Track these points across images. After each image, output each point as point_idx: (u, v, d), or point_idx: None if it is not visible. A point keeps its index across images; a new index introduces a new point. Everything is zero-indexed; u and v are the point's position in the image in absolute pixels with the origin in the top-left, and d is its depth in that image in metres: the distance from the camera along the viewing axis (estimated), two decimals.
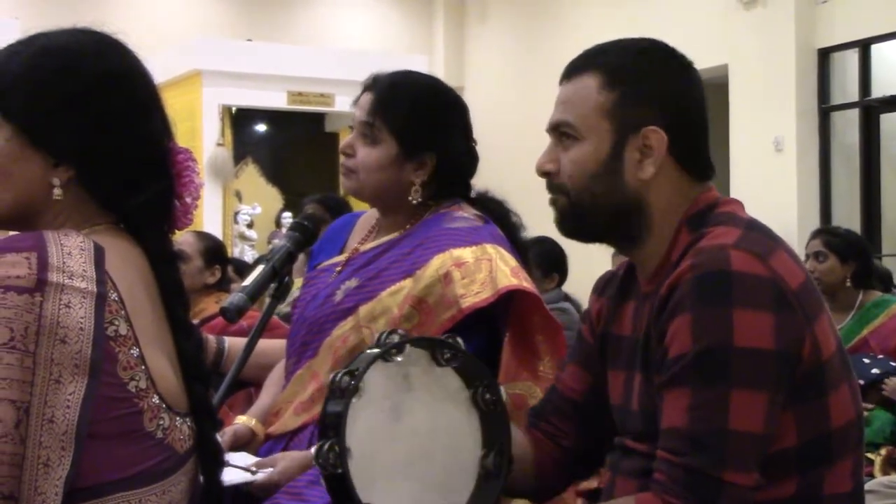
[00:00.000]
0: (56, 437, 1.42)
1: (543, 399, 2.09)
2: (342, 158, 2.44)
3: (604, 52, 1.85)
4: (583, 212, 1.82)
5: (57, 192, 1.59)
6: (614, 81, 1.80)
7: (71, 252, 1.48)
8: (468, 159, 2.49)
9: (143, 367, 1.52)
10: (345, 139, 2.46)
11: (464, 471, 1.78)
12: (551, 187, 1.84)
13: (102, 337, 1.47)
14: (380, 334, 1.76)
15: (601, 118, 1.79)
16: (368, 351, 1.73)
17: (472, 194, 2.52)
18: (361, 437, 1.67)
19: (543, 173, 1.84)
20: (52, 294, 1.44)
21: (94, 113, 1.59)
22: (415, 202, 2.39)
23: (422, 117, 2.41)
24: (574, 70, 1.84)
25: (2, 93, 1.59)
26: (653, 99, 1.79)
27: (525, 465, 1.96)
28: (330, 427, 1.66)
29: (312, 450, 2.25)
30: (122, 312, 1.51)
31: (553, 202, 1.85)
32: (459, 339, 1.79)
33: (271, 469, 2.26)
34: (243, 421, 2.49)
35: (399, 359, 1.72)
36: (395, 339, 1.73)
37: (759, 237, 1.72)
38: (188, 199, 1.70)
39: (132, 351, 1.51)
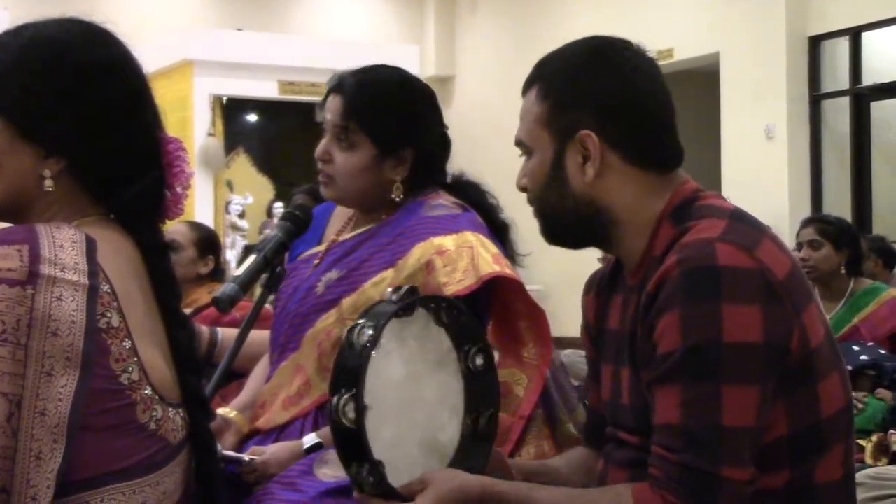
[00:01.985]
0: (48, 429, 1.42)
1: (586, 421, 2.12)
2: (319, 164, 2.41)
3: (546, 62, 1.88)
4: (550, 221, 1.87)
5: (48, 183, 1.59)
6: (547, 91, 1.83)
7: (63, 244, 1.48)
8: (442, 146, 2.48)
9: (135, 359, 1.52)
10: (320, 144, 2.42)
11: (455, 432, 1.82)
12: (529, 201, 1.89)
13: (94, 329, 1.47)
14: (395, 288, 1.76)
15: (541, 129, 1.83)
16: (383, 305, 1.74)
17: (448, 179, 2.51)
18: (373, 393, 1.67)
19: (521, 189, 1.89)
20: (44, 287, 1.44)
21: (85, 104, 1.59)
22: (397, 199, 2.39)
23: (396, 115, 2.39)
24: (526, 84, 1.88)
25: None
26: (580, 102, 1.80)
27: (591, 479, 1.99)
28: (347, 380, 1.65)
29: (307, 439, 2.25)
30: (115, 304, 1.51)
31: (534, 214, 1.89)
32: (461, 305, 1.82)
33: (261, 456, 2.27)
34: (219, 412, 2.48)
35: (411, 317, 1.75)
36: (408, 297, 1.74)
37: (745, 228, 1.71)
38: (179, 189, 1.69)
39: (124, 343, 1.51)
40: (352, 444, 1.65)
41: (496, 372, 1.86)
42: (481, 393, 1.84)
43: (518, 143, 1.87)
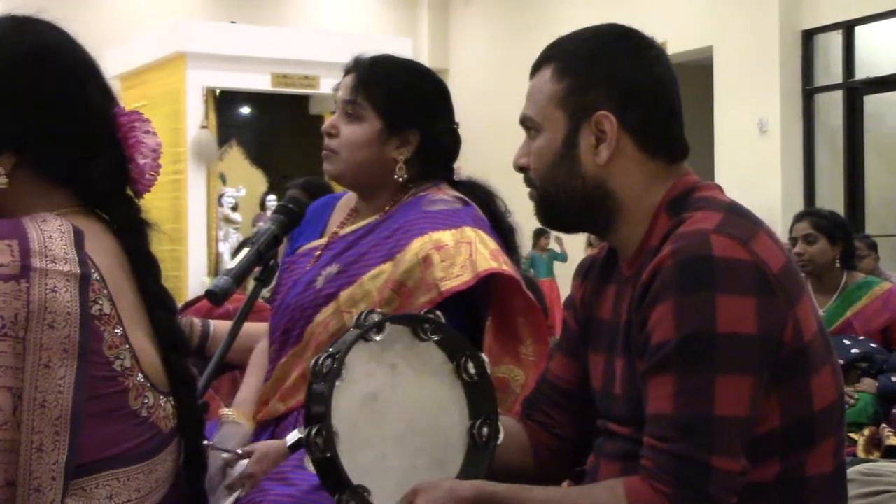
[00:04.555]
0: (49, 421, 1.43)
1: (535, 390, 2.08)
2: (325, 140, 2.43)
3: (560, 42, 1.87)
4: (551, 201, 1.84)
5: (2, 181, 1.57)
6: (565, 70, 1.82)
7: (52, 236, 1.48)
8: (451, 139, 2.49)
9: (127, 346, 1.53)
10: (327, 121, 2.45)
11: (452, 443, 1.80)
12: (526, 181, 1.87)
13: (88, 317, 1.47)
14: (359, 314, 1.77)
15: (555, 108, 1.81)
16: (349, 332, 1.74)
17: (455, 179, 2.52)
18: (347, 419, 1.67)
19: (519, 168, 1.87)
20: (38, 279, 1.44)
21: (21, 95, 1.57)
22: (400, 179, 2.39)
23: (404, 93, 2.42)
24: (536, 65, 1.87)
25: None
26: (601, 83, 1.80)
27: (524, 456, 1.97)
28: (315, 411, 1.66)
29: (290, 436, 2.25)
30: (105, 292, 1.51)
31: (530, 196, 1.88)
32: (439, 313, 1.81)
33: (247, 461, 2.27)
34: (230, 416, 2.47)
35: (378, 338, 1.73)
36: (375, 318, 1.74)
37: (740, 221, 1.71)
38: (140, 160, 1.65)
39: (116, 330, 1.52)
40: (329, 474, 1.65)
41: (490, 378, 1.84)
42: (481, 400, 1.83)
43: (525, 119, 1.86)
